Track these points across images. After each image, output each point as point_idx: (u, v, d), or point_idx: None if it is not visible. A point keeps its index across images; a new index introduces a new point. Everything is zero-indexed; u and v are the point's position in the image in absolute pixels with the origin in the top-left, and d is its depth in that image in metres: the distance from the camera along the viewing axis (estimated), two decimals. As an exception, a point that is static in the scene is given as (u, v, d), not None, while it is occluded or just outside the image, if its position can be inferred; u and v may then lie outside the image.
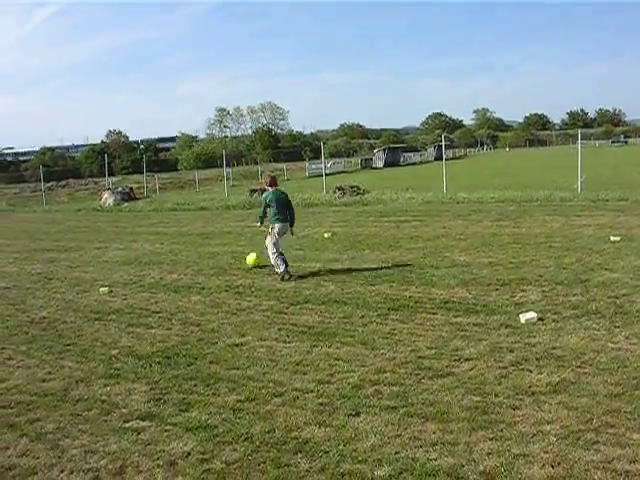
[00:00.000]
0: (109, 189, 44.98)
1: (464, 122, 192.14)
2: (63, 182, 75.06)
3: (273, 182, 13.67)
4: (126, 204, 39.16)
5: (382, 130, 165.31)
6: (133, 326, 10.08)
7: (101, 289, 12.88)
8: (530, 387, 6.61)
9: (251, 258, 14.62)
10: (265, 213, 13.53)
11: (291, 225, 13.58)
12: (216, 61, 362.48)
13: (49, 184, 67.70)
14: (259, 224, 13.92)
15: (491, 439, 5.52)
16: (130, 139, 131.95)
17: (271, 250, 13.13)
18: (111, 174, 71.49)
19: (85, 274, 15.10)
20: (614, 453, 5.11)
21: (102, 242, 21.26)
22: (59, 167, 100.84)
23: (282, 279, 12.80)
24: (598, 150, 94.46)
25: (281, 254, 13.13)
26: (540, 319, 8.87)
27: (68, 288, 13.48)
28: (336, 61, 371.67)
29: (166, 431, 6.16)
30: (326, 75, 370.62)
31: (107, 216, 33.68)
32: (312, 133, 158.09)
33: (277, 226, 13.22)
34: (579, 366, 7.10)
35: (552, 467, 4.97)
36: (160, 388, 7.31)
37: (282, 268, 12.96)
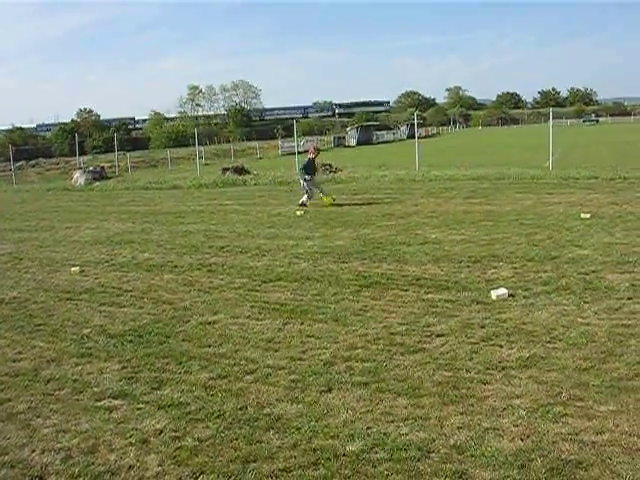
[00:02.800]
0: (80, 168, 44.72)
1: (437, 101, 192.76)
2: (33, 161, 74.28)
3: (317, 151, 22.33)
4: (97, 183, 38.82)
5: (354, 104, 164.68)
6: (105, 305, 10.02)
7: (72, 269, 12.78)
8: (500, 362, 6.67)
9: (328, 199, 20.50)
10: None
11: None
12: (189, 39, 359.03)
13: (19, 163, 66.91)
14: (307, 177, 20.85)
15: (462, 413, 5.58)
16: (102, 118, 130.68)
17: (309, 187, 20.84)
18: (82, 153, 70.92)
19: (56, 254, 14.97)
20: (582, 425, 5.19)
21: (73, 222, 21.07)
22: (29, 146, 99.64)
23: (301, 204, 20.22)
24: (569, 129, 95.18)
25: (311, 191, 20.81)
26: (511, 295, 8.95)
27: (39, 268, 13.36)
28: (311, 39, 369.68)
29: (138, 409, 6.15)
30: (300, 53, 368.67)
31: (78, 195, 33.36)
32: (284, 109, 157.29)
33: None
34: (549, 341, 7.18)
35: (521, 440, 5.03)
36: (132, 367, 7.28)
37: (305, 198, 20.54)
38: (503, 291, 9.02)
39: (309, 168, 20.93)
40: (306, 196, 20.59)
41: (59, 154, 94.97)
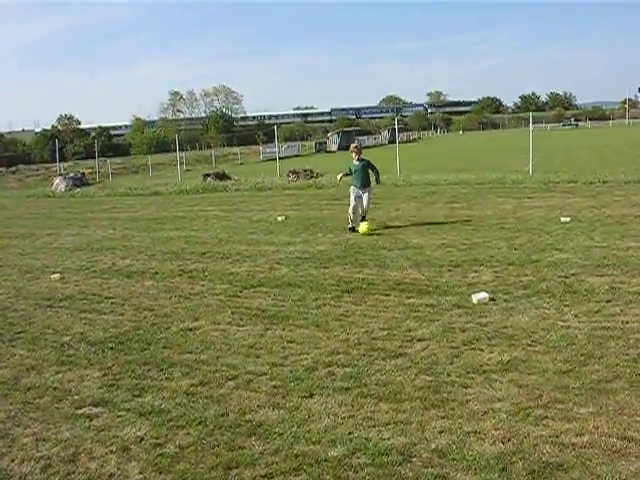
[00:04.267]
0: (61, 175, 44.35)
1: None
2: (13, 168, 73.80)
3: (358, 151, 16.58)
4: (78, 190, 38.61)
5: (336, 110, 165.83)
6: (85, 312, 9.96)
7: (52, 276, 12.70)
8: (481, 366, 6.70)
9: (363, 226, 15.33)
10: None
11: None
12: (170, 45, 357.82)
13: (-2, 170, 66.50)
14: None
15: (443, 417, 5.59)
16: (82, 125, 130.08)
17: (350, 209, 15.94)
18: (63, 159, 70.47)
19: (36, 261, 14.87)
20: (562, 427, 5.22)
21: (53, 228, 20.94)
22: (9, 152, 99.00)
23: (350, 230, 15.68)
24: (549, 133, 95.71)
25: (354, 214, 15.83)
26: (492, 299, 8.98)
27: (19, 275, 13.27)
28: (292, 45, 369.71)
29: (119, 417, 6.11)
30: (282, 59, 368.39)
31: (59, 202, 33.16)
32: (265, 116, 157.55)
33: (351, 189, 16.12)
34: (529, 344, 7.21)
35: (502, 443, 5.05)
36: (113, 374, 7.24)
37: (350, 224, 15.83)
38: (484, 295, 9.05)
39: (355, 177, 16.25)
40: (352, 212, 15.96)
41: (39, 160, 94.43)
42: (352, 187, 16.04)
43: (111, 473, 5.06)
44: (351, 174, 16.31)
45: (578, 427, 5.21)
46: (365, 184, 16.09)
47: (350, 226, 15.69)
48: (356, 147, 16.64)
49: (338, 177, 17.46)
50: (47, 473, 5.14)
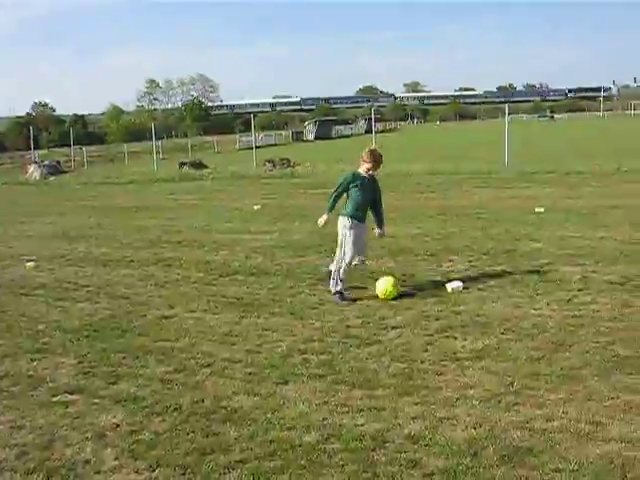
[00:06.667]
0: (35, 162, 44.02)
1: (396, 95, 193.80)
2: (-15, 156, 73.07)
3: (374, 159, 9.03)
4: (53, 178, 38.40)
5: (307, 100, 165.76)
6: (61, 300, 9.92)
7: (27, 264, 12.62)
8: (455, 353, 6.77)
9: (388, 285, 8.94)
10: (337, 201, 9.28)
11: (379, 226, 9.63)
12: (147, 32, 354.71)
13: (-29, 157, 65.78)
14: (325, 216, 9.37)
15: (416, 404, 5.65)
16: (57, 112, 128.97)
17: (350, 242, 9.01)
18: (37, 147, 69.79)
19: (10, 249, 14.77)
20: (532, 413, 5.30)
21: (28, 216, 20.79)
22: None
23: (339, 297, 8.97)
24: (526, 125, 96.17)
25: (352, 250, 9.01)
26: (466, 288, 9.07)
27: (-8, 263, 13.19)
28: (270, 34, 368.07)
29: (95, 404, 6.11)
30: (260, 48, 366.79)
31: (33, 190, 32.93)
32: (242, 105, 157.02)
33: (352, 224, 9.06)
34: (502, 332, 7.30)
35: (474, 429, 5.12)
36: (88, 361, 7.23)
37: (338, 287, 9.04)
38: (458, 284, 9.14)
39: (357, 199, 9.06)
40: (336, 263, 9.19)
41: (14, 148, 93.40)
42: (347, 218, 9.05)
43: (87, 459, 5.06)
44: (346, 192, 9.15)
45: (548, 413, 5.30)
46: (365, 215, 9.33)
47: (341, 288, 9.05)
48: (374, 154, 9.07)
49: (322, 219, 9.44)
50: (22, 460, 5.13)
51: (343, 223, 9.08)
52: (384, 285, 8.90)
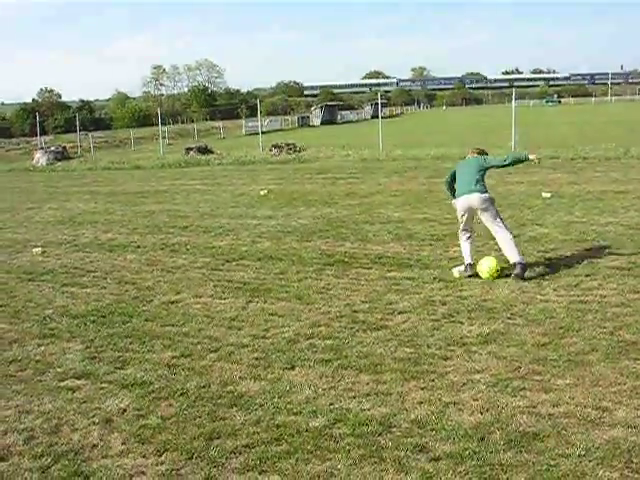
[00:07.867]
0: (42, 148, 44.02)
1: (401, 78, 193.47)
2: (-7, 141, 73.03)
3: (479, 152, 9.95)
4: (59, 163, 38.40)
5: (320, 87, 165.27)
6: (67, 286, 9.94)
7: (34, 249, 12.65)
8: (461, 338, 6.77)
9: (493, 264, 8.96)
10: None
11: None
12: (153, 18, 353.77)
13: (-22, 144, 65.83)
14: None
15: (423, 389, 5.66)
16: (63, 98, 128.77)
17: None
18: (44, 133, 69.84)
19: (18, 235, 14.80)
20: (539, 398, 5.30)
21: (35, 202, 20.84)
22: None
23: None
24: (532, 109, 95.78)
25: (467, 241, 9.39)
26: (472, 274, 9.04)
27: (0, 249, 13.21)
28: (276, 20, 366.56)
29: (101, 389, 6.14)
30: (265, 34, 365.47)
31: (40, 176, 32.97)
32: (249, 91, 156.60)
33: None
34: (509, 317, 7.29)
35: (481, 413, 5.12)
36: (95, 346, 7.26)
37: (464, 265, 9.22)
38: (463, 268, 9.11)
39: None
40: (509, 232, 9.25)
41: (20, 134, 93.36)
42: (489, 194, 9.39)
43: (94, 444, 5.09)
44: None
45: (555, 398, 5.30)
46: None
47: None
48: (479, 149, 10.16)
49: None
50: (30, 444, 5.15)
51: (491, 200, 9.32)
52: (489, 264, 8.94)
